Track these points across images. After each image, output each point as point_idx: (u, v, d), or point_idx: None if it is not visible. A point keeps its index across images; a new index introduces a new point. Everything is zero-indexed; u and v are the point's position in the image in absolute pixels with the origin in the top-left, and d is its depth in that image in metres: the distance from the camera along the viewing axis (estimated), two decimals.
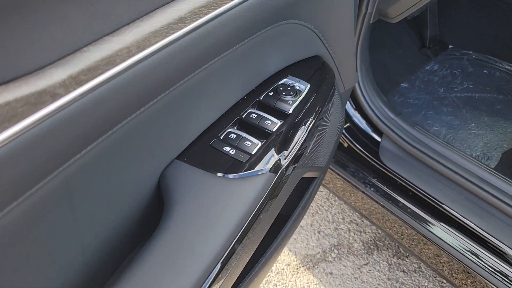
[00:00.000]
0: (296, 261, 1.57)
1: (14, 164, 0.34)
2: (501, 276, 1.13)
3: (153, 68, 0.44)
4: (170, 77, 0.48)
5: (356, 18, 1.21)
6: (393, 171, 1.31)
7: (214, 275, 0.52)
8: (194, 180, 0.58)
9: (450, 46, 1.89)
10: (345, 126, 1.40)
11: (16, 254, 0.38)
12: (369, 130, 1.38)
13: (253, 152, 0.63)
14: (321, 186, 1.72)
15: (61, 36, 0.35)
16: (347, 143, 1.40)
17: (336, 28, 0.80)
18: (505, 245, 1.12)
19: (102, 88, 0.39)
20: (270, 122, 0.68)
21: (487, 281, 1.16)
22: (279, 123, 0.68)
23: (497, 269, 1.14)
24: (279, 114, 0.70)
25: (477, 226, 1.16)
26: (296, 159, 0.69)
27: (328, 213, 1.70)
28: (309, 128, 0.71)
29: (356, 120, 1.39)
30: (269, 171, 0.62)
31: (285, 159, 0.64)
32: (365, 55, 1.35)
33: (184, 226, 0.53)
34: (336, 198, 1.74)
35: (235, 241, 0.55)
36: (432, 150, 1.27)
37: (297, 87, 0.74)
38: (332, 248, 1.60)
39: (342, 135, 1.40)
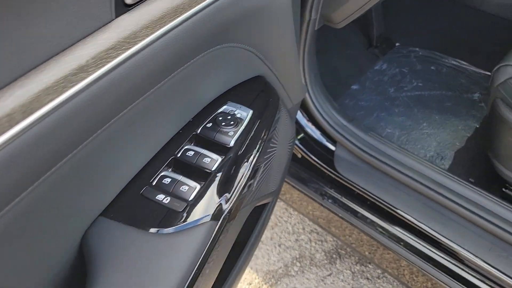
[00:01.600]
0: (258, 278, 1.51)
1: None
2: (459, 279, 1.12)
3: (72, 115, 0.36)
4: (92, 123, 0.41)
5: (300, 26, 1.16)
6: (349, 180, 1.27)
7: None
8: (123, 241, 0.51)
9: (397, 44, 1.88)
10: (298, 137, 1.35)
11: None
12: (322, 139, 1.34)
13: (191, 198, 0.56)
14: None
15: None
16: (301, 153, 1.35)
17: (277, 47, 0.74)
18: (461, 247, 1.11)
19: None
20: (209, 160, 0.61)
21: (445, 285, 1.15)
22: (220, 160, 0.61)
23: (455, 272, 1.13)
24: (219, 148, 0.63)
25: (434, 231, 1.15)
26: (241, 198, 0.62)
27: (288, 224, 1.65)
28: (254, 161, 0.65)
29: (308, 130, 1.34)
30: (211, 219, 0.55)
31: (227, 202, 0.57)
32: (313, 62, 1.30)
33: None
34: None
35: None
36: (386, 156, 1.24)
37: (238, 115, 0.68)
38: (294, 261, 1.55)
39: (295, 146, 1.35)
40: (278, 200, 1.62)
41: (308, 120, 1.33)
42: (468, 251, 1.10)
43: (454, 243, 1.12)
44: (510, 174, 1.16)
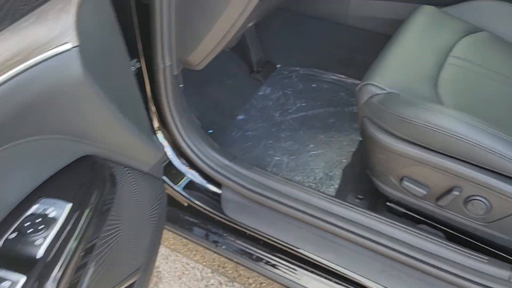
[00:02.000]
0: None
1: None
2: None
3: None
4: None
5: (156, 74, 1.09)
6: (238, 222, 1.22)
7: None
8: None
9: (278, 66, 1.88)
10: (182, 185, 1.28)
11: None
12: (206, 183, 1.27)
13: None
14: (177, 253, 1.58)
15: None
16: (187, 202, 1.28)
17: (92, 123, 0.66)
18: (355, 273, 1.09)
19: None
20: (9, 284, 0.51)
21: None
22: (23, 280, 0.52)
23: None
24: (25, 264, 0.54)
25: (328, 261, 1.12)
26: None
27: (196, 270, 1.57)
28: (70, 266, 0.56)
29: (191, 177, 1.27)
30: None
31: None
32: (183, 107, 1.24)
33: None
34: None
35: None
36: (271, 191, 1.20)
37: (52, 214, 0.59)
38: None
39: (179, 195, 1.27)
40: (179, 253, 1.53)
41: (188, 167, 1.27)
42: (362, 276, 1.09)
43: (348, 270, 1.10)
44: (387, 188, 1.17)
